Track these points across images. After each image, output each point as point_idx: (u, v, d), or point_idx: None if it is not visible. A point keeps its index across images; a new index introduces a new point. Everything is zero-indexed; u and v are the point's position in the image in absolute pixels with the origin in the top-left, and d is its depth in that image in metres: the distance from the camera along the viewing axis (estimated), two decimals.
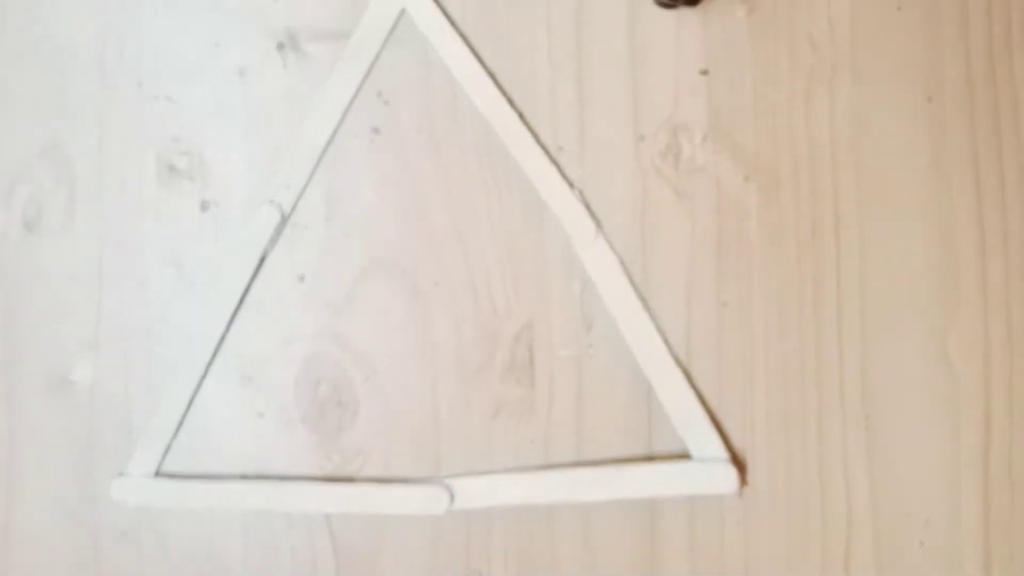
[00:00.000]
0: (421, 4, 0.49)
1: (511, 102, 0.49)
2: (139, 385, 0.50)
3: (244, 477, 0.49)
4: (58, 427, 0.50)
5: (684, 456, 0.48)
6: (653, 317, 0.48)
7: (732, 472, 0.48)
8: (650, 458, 0.49)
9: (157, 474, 0.49)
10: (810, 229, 0.49)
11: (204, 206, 0.50)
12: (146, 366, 0.50)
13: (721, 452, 0.48)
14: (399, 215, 0.49)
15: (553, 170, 0.48)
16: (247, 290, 0.49)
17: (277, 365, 0.50)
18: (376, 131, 0.49)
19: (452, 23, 0.49)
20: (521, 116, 0.49)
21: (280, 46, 0.50)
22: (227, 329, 0.49)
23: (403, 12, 0.49)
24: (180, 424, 0.49)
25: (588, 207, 0.48)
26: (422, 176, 0.49)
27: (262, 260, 0.49)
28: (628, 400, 0.49)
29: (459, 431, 0.49)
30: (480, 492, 0.49)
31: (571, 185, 0.48)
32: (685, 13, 0.49)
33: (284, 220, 0.49)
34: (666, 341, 0.48)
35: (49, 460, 0.50)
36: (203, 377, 0.49)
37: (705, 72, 0.49)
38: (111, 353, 0.50)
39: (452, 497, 0.48)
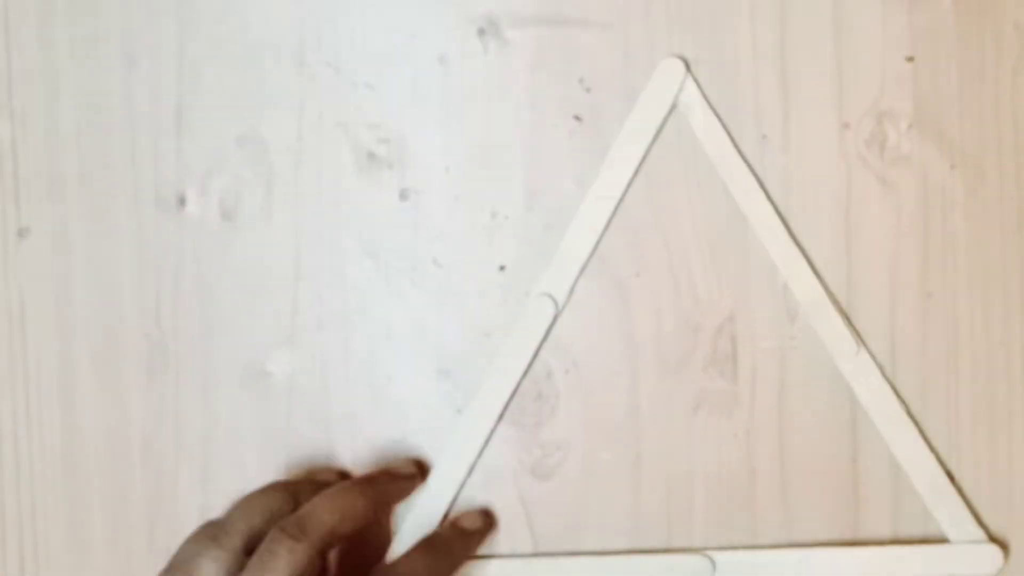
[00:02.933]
0: None
1: (762, 186, 0.48)
2: (336, 378, 0.49)
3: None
4: (254, 420, 0.50)
5: (894, 466, 0.48)
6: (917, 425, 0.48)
7: (996, 554, 0.47)
8: (854, 451, 0.48)
9: None
10: (1017, 218, 0.48)
11: (404, 195, 0.49)
12: (343, 358, 0.49)
13: (979, 533, 0.48)
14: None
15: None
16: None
17: (476, 359, 0.49)
18: (577, 119, 0.49)
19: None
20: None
21: (481, 32, 0.49)
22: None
23: None
24: None
25: (847, 319, 0.48)
26: None
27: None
28: (832, 392, 0.48)
29: (660, 424, 0.49)
30: (741, 565, 0.48)
31: (832, 297, 0.48)
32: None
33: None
34: (926, 440, 0.48)
35: (245, 453, 0.50)
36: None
37: (911, 59, 0.48)
38: (308, 345, 0.49)
39: (714, 567, 0.48)
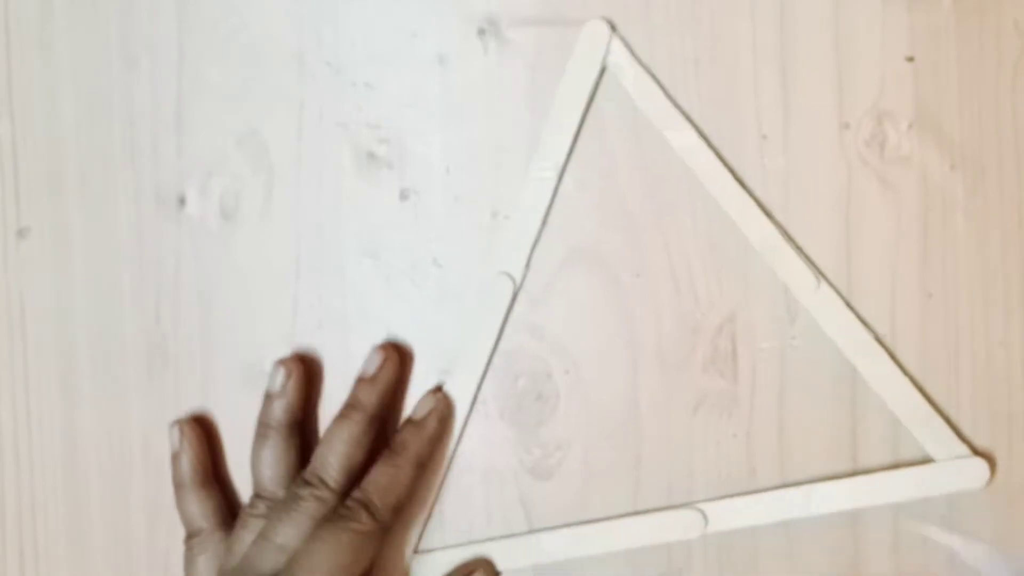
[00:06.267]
0: None
1: (701, 133, 0.48)
2: (334, 377, 0.49)
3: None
4: (254, 419, 0.49)
5: (893, 453, 0.48)
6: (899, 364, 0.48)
7: (982, 467, 0.47)
8: (854, 452, 0.48)
9: None
10: (1017, 218, 0.48)
11: (404, 195, 0.49)
12: (343, 359, 0.49)
13: (962, 448, 0.47)
14: (599, 206, 0.49)
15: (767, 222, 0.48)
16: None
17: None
18: None
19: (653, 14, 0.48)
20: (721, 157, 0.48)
21: (481, 32, 0.49)
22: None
23: None
24: None
25: (804, 254, 0.48)
26: (622, 166, 0.48)
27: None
28: (832, 392, 0.48)
29: (660, 424, 0.49)
30: (732, 513, 0.48)
31: (787, 234, 0.48)
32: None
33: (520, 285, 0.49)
34: (899, 364, 0.48)
35: (245, 452, 0.49)
36: None
37: (911, 59, 0.48)
38: (308, 345, 0.49)
39: (706, 519, 0.48)
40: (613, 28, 0.48)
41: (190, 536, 0.48)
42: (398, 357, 0.48)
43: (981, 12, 0.48)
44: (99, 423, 0.50)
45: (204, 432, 0.49)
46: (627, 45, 0.48)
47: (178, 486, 0.48)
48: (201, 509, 0.48)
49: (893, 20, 0.48)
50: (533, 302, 0.49)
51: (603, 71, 0.48)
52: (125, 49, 0.50)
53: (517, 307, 0.49)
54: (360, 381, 0.48)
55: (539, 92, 0.48)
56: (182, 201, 0.50)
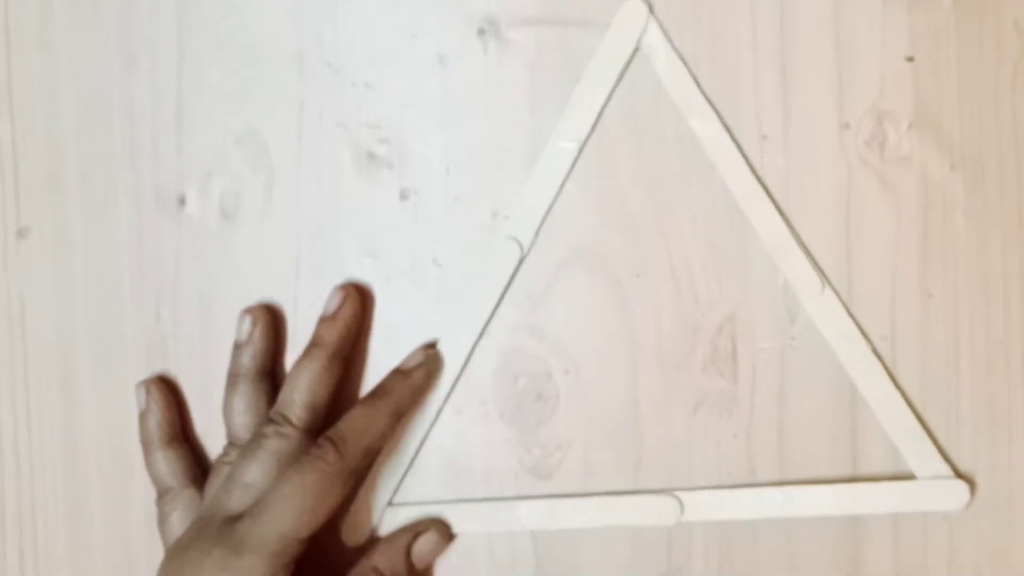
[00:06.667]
0: None
1: (725, 125, 0.48)
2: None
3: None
4: None
5: (892, 454, 0.48)
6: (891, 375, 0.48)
7: (963, 489, 0.47)
8: (854, 453, 0.48)
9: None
10: (1017, 218, 0.48)
11: (404, 195, 0.49)
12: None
13: (945, 468, 0.48)
14: (599, 206, 0.49)
15: (774, 212, 0.48)
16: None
17: (475, 359, 0.49)
18: None
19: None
20: (733, 137, 0.48)
21: (481, 32, 0.49)
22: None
23: None
24: None
25: (812, 257, 0.48)
26: (623, 166, 0.48)
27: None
28: (832, 392, 0.48)
29: (660, 424, 0.49)
30: (709, 505, 0.48)
31: (797, 236, 0.48)
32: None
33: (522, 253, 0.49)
34: (892, 378, 0.48)
35: None
36: None
37: (911, 59, 0.48)
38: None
39: (682, 508, 0.48)
40: (651, 10, 0.48)
41: (161, 495, 0.48)
42: (358, 296, 0.48)
43: (981, 12, 0.48)
44: (99, 423, 0.50)
45: (171, 391, 0.49)
46: (663, 29, 0.48)
47: (146, 446, 0.49)
48: (169, 468, 0.48)
49: (893, 20, 0.48)
50: (533, 302, 0.49)
51: (635, 51, 0.48)
52: (125, 49, 0.50)
53: (517, 307, 0.49)
54: (321, 320, 0.48)
55: (539, 92, 0.49)
56: (182, 201, 0.50)
